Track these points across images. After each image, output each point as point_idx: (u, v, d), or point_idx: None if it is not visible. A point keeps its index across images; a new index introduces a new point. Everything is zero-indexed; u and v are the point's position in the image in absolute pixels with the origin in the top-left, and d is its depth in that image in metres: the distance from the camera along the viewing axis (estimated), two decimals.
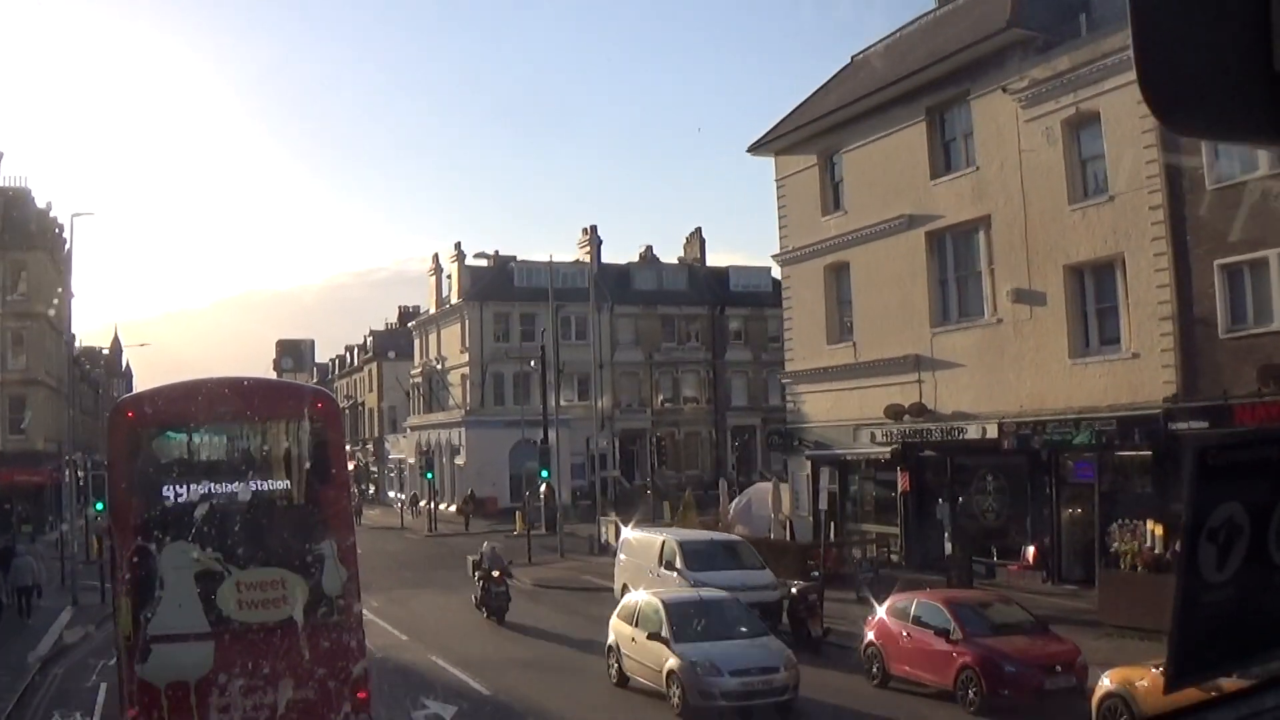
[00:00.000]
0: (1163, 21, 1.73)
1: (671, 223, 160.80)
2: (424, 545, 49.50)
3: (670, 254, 76.32)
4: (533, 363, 53.10)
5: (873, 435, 30.51)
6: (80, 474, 40.84)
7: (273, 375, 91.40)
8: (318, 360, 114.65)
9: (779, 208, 36.46)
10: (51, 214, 62.02)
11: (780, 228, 36.32)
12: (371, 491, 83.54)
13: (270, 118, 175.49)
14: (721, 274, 74.80)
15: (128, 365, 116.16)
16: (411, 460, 73.06)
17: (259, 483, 11.71)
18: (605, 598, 30.42)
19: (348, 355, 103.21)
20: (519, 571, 36.80)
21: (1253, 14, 1.72)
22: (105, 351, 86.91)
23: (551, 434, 46.11)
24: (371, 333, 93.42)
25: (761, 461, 72.50)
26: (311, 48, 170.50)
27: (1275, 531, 1.96)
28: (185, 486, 11.39)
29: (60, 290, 60.26)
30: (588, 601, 30.19)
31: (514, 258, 70.40)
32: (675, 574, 23.08)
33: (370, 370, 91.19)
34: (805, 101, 36.83)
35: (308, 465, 11.90)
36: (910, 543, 31.02)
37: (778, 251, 36.37)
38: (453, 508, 62.62)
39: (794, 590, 21.29)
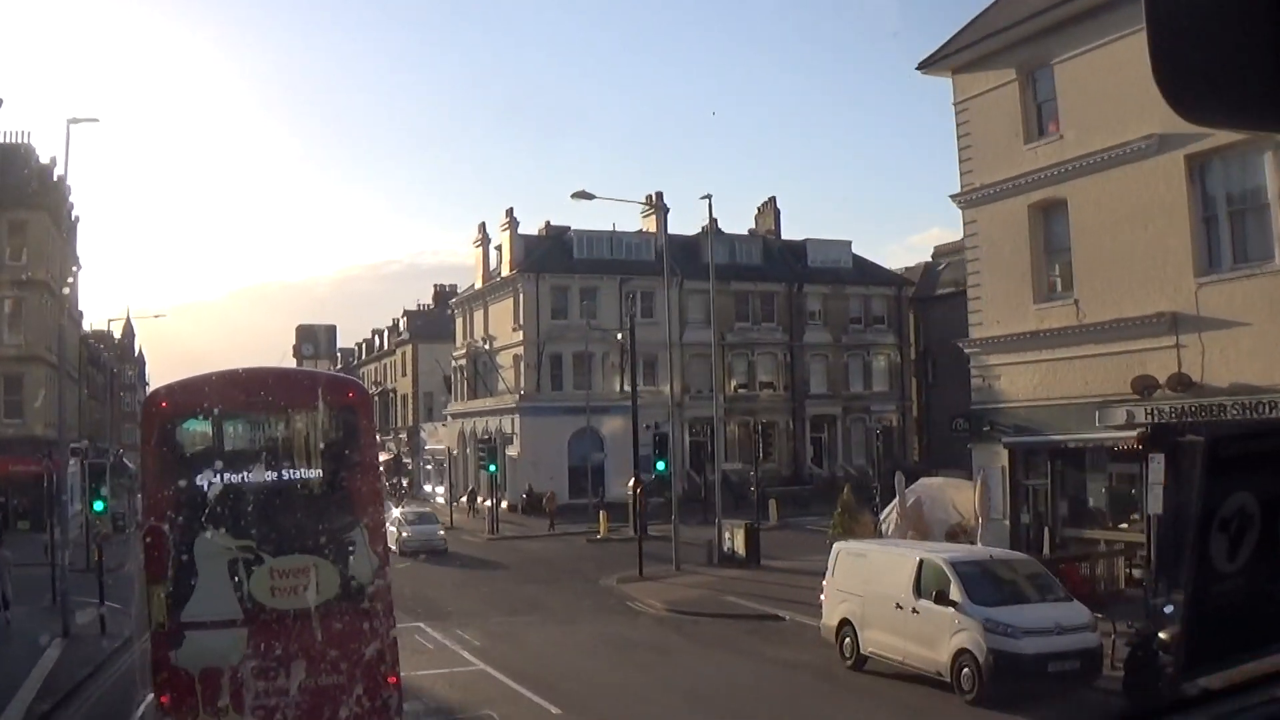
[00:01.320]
0: (1177, 14, 1.73)
1: (734, 196, 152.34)
2: (495, 552, 42.03)
3: (733, 228, 68.93)
4: (620, 335, 46.02)
5: (1130, 415, 23.31)
6: (86, 463, 34.25)
7: (291, 363, 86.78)
8: (340, 346, 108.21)
9: (959, 137, 29.23)
10: (57, 174, 55.11)
11: (961, 162, 29.10)
12: (405, 485, 75.91)
13: (283, 110, 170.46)
14: (798, 248, 67.30)
15: (140, 351, 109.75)
16: (454, 451, 65.87)
17: (291, 471, 11.57)
18: (773, 630, 23.41)
19: (376, 339, 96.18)
20: (634, 588, 29.71)
21: (1264, 5, 1.74)
22: (118, 329, 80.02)
23: (623, 421, 39.46)
24: (405, 313, 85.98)
25: (843, 455, 65.54)
26: (325, 38, 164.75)
27: None
28: (218, 475, 11.29)
29: (76, 270, 53.85)
30: (751, 635, 22.98)
31: (568, 228, 63.28)
32: (951, 610, 15.99)
33: (404, 354, 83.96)
34: (990, 7, 29.65)
35: (339, 453, 11.72)
36: (1162, 554, 23.90)
37: (957, 191, 29.18)
38: (503, 504, 55.86)
39: (1162, 635, 14.25)
